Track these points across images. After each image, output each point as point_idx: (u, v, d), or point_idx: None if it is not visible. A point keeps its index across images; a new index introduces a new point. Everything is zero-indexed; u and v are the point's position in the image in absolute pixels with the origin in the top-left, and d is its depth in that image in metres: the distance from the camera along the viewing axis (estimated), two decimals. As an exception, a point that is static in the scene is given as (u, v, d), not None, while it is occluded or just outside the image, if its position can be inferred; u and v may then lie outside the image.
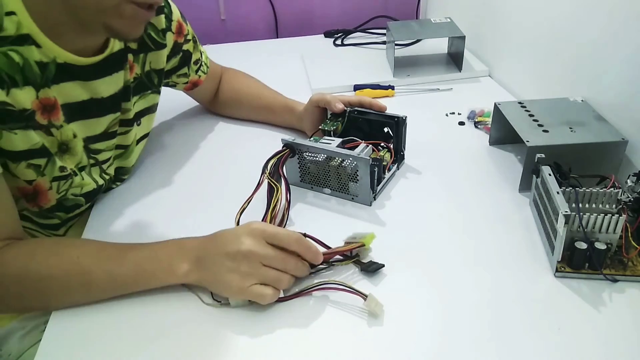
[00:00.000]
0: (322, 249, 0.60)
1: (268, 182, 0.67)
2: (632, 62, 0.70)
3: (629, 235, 0.59)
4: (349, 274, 0.61)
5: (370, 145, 0.75)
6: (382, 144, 0.77)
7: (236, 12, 1.51)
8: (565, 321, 0.54)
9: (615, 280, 0.58)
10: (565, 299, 0.56)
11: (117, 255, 0.58)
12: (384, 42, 1.29)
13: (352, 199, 0.73)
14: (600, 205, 0.63)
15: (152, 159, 0.86)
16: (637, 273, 0.58)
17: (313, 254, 0.58)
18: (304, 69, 1.19)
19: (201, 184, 0.79)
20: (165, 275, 0.57)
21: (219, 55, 1.03)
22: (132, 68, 0.73)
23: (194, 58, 0.88)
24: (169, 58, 0.81)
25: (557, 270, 0.59)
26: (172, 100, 0.99)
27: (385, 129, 0.79)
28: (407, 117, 0.77)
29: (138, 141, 0.79)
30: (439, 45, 1.21)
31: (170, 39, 0.80)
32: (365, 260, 0.61)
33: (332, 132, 0.78)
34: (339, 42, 1.35)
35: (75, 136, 0.66)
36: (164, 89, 0.84)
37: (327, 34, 1.40)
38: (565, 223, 0.56)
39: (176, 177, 0.81)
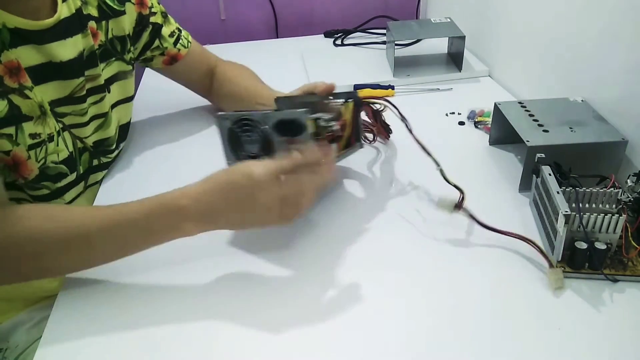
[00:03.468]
0: None
1: None
2: (632, 62, 0.70)
3: (629, 235, 0.59)
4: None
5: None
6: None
7: (236, 12, 1.51)
8: (565, 321, 0.54)
9: (616, 280, 0.58)
10: (565, 299, 0.56)
11: (115, 214, 0.57)
12: (384, 42, 1.29)
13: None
14: (600, 205, 0.63)
15: (154, 150, 0.87)
16: (637, 273, 0.58)
17: (317, 156, 0.58)
18: (304, 69, 1.19)
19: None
20: (171, 233, 0.58)
21: (219, 55, 1.03)
22: (97, 35, 0.75)
23: (167, 31, 0.88)
24: (138, 33, 0.84)
25: (557, 270, 0.59)
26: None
27: None
28: None
29: (112, 108, 0.80)
30: (439, 45, 1.20)
31: (131, 9, 0.81)
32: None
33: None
34: (339, 42, 1.35)
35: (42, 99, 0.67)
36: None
37: (327, 34, 1.40)
38: (565, 223, 0.56)
39: (181, 171, 0.81)
